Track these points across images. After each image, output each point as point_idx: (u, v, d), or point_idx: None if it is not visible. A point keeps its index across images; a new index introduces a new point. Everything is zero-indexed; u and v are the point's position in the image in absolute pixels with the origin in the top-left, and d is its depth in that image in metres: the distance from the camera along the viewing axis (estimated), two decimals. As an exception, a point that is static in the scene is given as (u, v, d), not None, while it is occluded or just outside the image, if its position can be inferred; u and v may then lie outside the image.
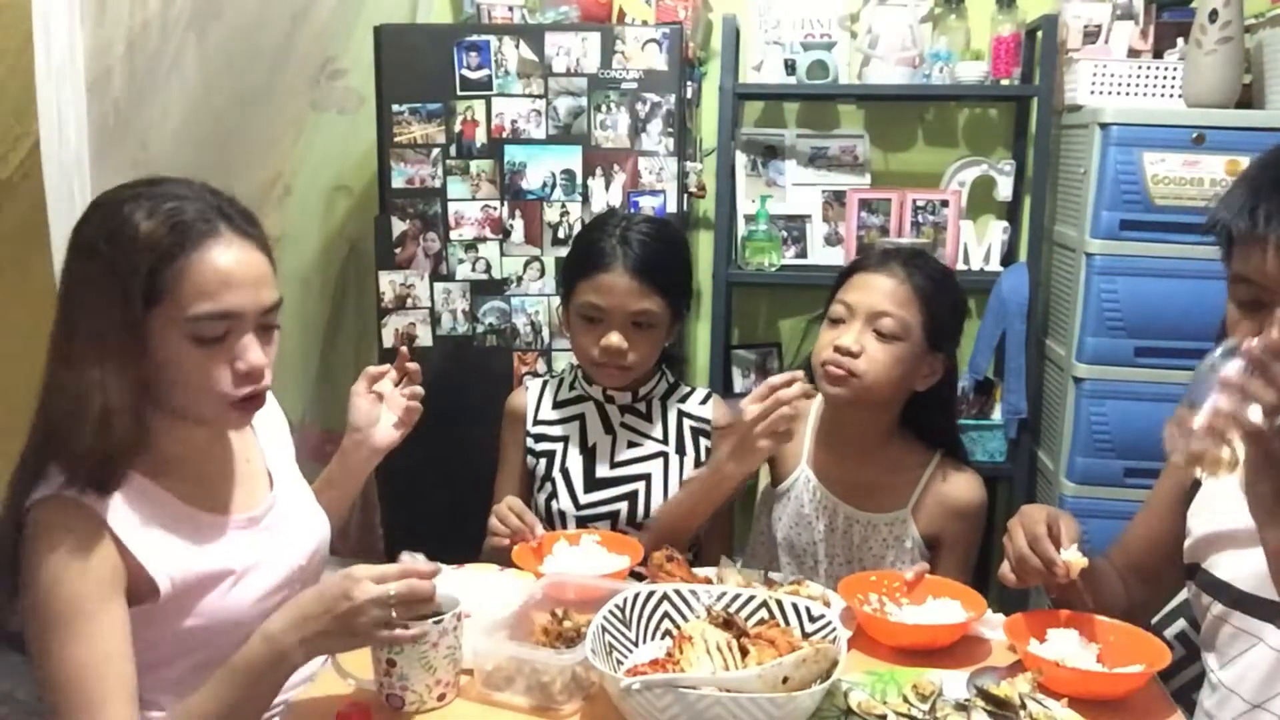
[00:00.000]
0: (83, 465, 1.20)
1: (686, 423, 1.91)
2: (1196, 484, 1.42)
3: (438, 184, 2.63)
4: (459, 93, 2.59)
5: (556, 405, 1.94)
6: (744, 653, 1.21)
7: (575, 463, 1.90)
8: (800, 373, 1.58)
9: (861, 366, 1.64)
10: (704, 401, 1.94)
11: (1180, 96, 2.55)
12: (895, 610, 1.47)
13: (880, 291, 1.65)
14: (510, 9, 2.68)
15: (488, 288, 2.67)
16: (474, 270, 2.66)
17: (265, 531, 1.39)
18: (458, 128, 2.61)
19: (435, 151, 2.62)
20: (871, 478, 1.75)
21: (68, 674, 1.17)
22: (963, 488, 1.74)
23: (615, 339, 1.77)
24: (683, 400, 1.94)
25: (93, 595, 1.19)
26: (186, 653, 1.29)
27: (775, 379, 1.58)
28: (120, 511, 1.23)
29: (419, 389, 1.63)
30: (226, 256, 1.23)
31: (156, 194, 1.23)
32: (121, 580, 1.22)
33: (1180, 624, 1.61)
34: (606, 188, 2.61)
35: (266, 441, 1.49)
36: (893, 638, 1.39)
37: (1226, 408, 1.04)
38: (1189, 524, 1.41)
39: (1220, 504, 1.38)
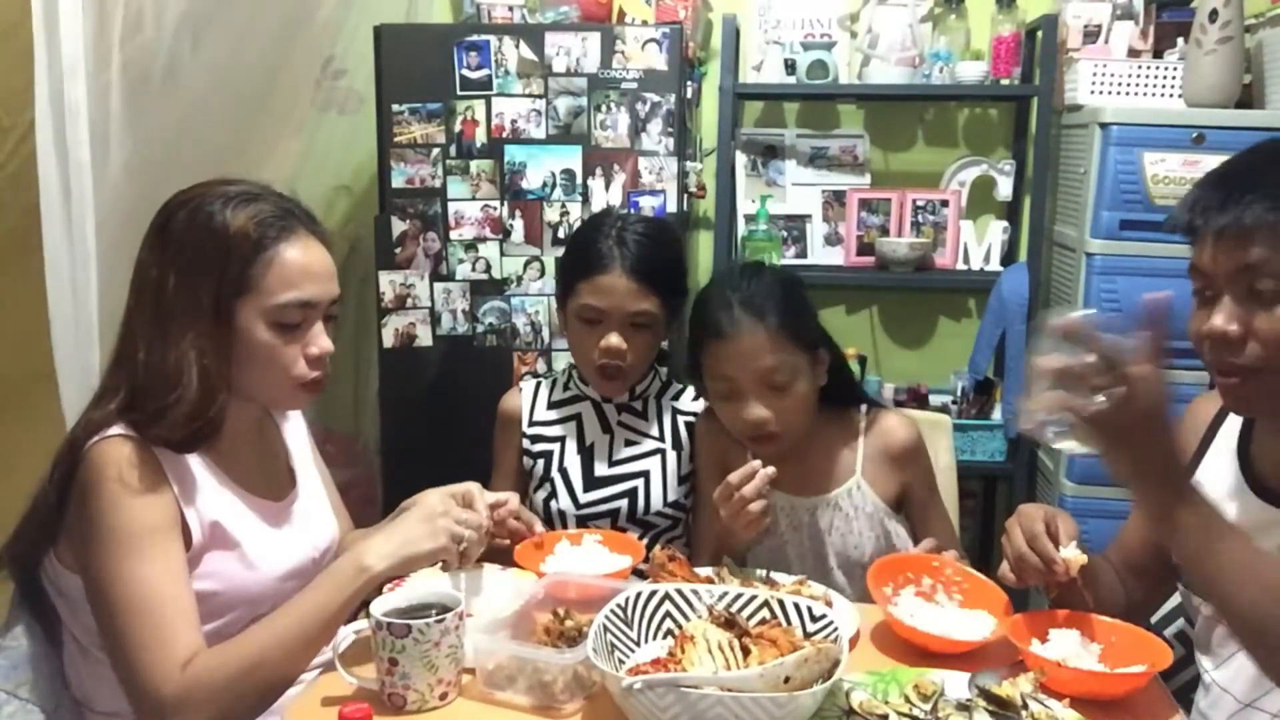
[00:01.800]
0: (177, 431, 1.30)
1: (681, 419, 1.92)
2: (1190, 473, 1.42)
3: (438, 184, 2.63)
4: (459, 93, 2.59)
5: (552, 405, 1.94)
6: (745, 652, 1.20)
7: (574, 462, 1.90)
8: (757, 463, 1.54)
9: (778, 428, 1.63)
10: (696, 398, 1.94)
11: (1180, 96, 2.55)
12: (925, 611, 1.46)
13: (751, 355, 1.61)
14: (510, 9, 2.68)
15: (488, 288, 2.67)
16: (474, 270, 2.66)
17: (284, 524, 1.47)
18: (458, 128, 2.61)
19: (435, 151, 2.62)
20: (813, 464, 1.74)
21: (138, 595, 1.24)
22: (894, 430, 1.74)
23: (615, 340, 1.78)
24: (676, 398, 1.95)
25: (160, 524, 1.28)
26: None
27: (734, 477, 1.54)
28: (172, 463, 1.33)
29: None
30: (306, 251, 1.37)
31: (236, 194, 1.36)
32: (179, 521, 1.31)
33: (1180, 623, 1.62)
34: (606, 188, 2.61)
35: (292, 441, 1.59)
36: (915, 642, 1.38)
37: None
38: None
39: None
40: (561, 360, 2.66)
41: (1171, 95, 2.59)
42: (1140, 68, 2.62)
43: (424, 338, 2.69)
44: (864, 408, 1.77)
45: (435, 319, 2.68)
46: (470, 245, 2.65)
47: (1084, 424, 1.07)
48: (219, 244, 1.32)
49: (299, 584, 1.40)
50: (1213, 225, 1.19)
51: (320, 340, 1.40)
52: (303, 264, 1.36)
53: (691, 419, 1.92)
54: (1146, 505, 1.08)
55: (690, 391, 1.95)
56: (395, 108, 2.60)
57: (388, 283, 2.67)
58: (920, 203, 2.89)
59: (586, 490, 1.88)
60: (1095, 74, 2.61)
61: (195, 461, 1.36)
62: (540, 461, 1.91)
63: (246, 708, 1.26)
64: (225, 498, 1.38)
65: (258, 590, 1.38)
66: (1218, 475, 1.37)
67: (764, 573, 1.56)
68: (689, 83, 2.70)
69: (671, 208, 2.60)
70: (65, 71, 1.74)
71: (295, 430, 1.61)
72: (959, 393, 2.92)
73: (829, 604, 1.38)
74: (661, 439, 1.91)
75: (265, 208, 1.36)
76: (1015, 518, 1.39)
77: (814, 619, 1.29)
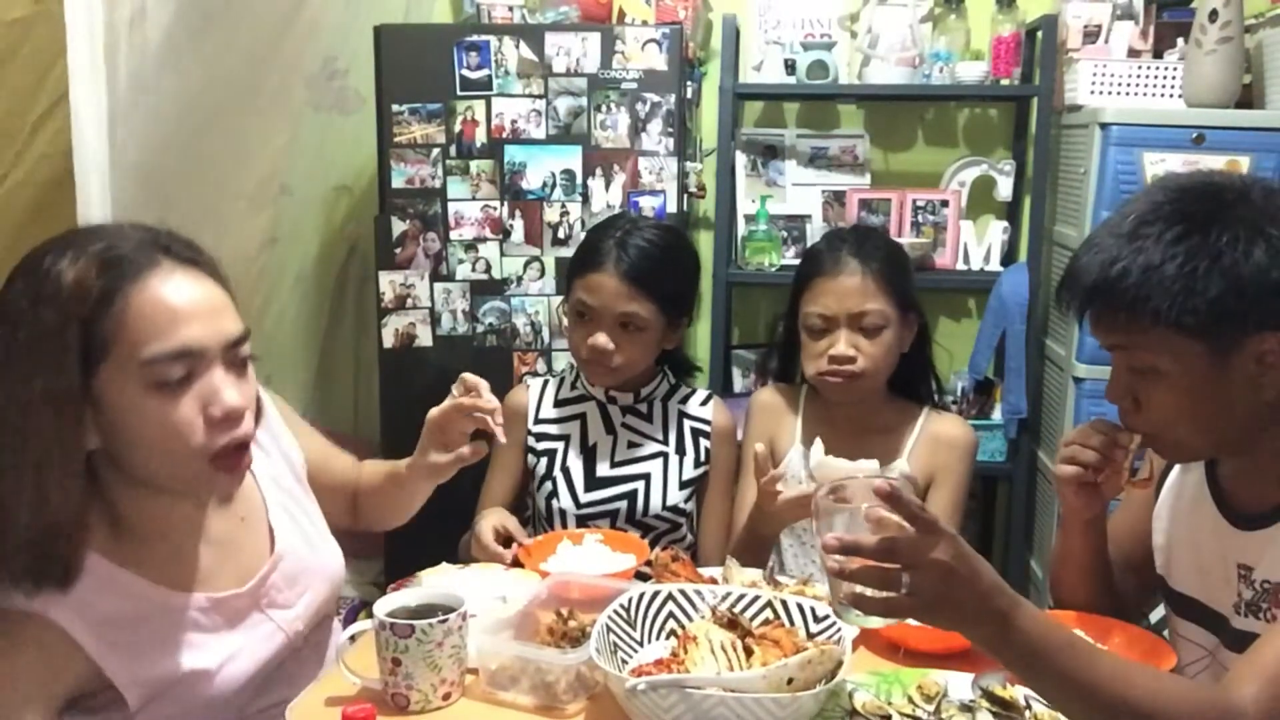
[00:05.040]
0: (10, 571, 1.07)
1: (687, 424, 1.92)
2: (1163, 481, 1.42)
3: (438, 184, 2.63)
4: (459, 93, 2.59)
5: (558, 404, 1.94)
6: (749, 653, 1.21)
7: (576, 462, 1.90)
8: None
9: (863, 365, 1.73)
10: (705, 403, 1.94)
11: (1180, 96, 2.55)
12: None
13: (849, 294, 1.72)
14: (510, 9, 2.68)
15: (488, 288, 2.67)
16: (474, 270, 2.66)
17: (259, 605, 1.27)
18: (458, 128, 2.61)
19: (435, 151, 2.61)
20: (865, 443, 1.79)
21: None
22: (952, 425, 1.85)
23: (601, 339, 1.78)
24: (683, 401, 1.94)
25: (7, 703, 1.06)
26: None
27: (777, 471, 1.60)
28: (80, 611, 1.09)
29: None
30: (171, 287, 1.10)
31: (81, 239, 1.11)
32: (56, 692, 1.09)
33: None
34: (606, 188, 2.61)
35: (268, 484, 1.34)
36: (905, 640, 1.38)
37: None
38: (1153, 535, 1.41)
39: (1166, 515, 1.39)
40: (561, 360, 2.66)
41: (1171, 95, 2.58)
42: (1140, 68, 2.61)
43: (424, 338, 2.69)
44: (926, 407, 1.85)
45: (435, 319, 2.68)
46: (470, 245, 2.65)
47: (888, 612, 1.02)
48: (54, 305, 1.05)
49: (275, 673, 1.28)
50: (1076, 308, 1.24)
51: (222, 395, 1.11)
52: (167, 303, 1.09)
53: (699, 424, 1.92)
54: (974, 643, 1.05)
55: (699, 395, 1.95)
56: (395, 108, 2.60)
57: (388, 283, 2.66)
58: (920, 203, 2.89)
59: (588, 490, 1.88)
60: (1095, 74, 2.61)
61: (109, 584, 1.12)
62: (543, 459, 1.91)
63: None
64: (168, 627, 1.16)
65: (223, 698, 1.21)
66: (1185, 488, 1.37)
67: (767, 572, 1.56)
68: (689, 83, 2.70)
69: (671, 208, 2.60)
70: (91, 79, 1.73)
71: (267, 464, 1.35)
72: (959, 393, 2.92)
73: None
74: (665, 442, 1.91)
75: (118, 245, 1.10)
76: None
77: (817, 620, 1.29)
